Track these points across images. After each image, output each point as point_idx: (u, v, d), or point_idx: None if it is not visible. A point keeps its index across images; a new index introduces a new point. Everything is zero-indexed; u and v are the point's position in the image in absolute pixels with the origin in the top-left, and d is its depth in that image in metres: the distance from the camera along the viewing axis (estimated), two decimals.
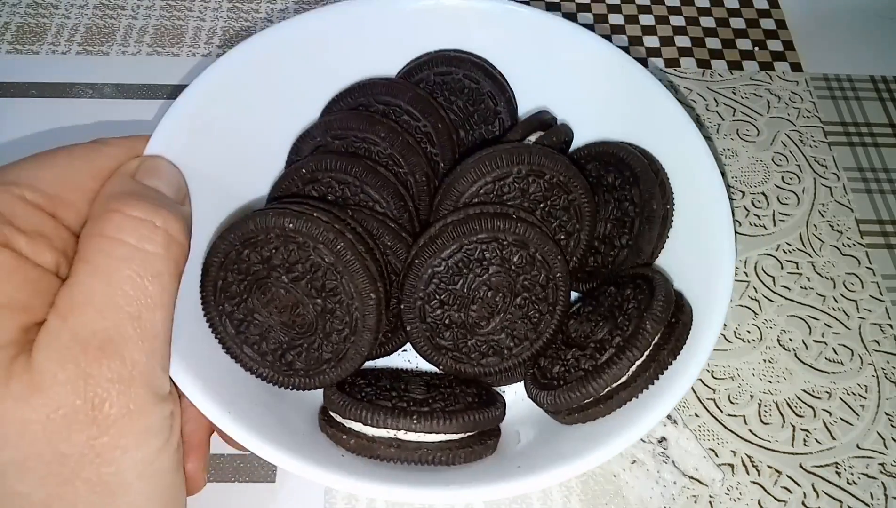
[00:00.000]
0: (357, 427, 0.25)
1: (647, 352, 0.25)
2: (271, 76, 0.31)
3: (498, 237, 0.27)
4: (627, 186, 0.29)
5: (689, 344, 0.25)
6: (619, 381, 0.25)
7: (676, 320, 0.25)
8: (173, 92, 0.40)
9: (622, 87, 0.31)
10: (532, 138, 0.31)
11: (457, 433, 0.25)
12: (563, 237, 0.29)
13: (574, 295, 0.31)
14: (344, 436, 0.25)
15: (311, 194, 0.29)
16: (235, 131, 0.30)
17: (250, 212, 0.26)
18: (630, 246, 0.29)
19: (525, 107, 0.34)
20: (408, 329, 0.28)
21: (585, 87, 0.32)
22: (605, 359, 0.25)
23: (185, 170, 0.27)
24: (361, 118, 0.30)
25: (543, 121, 0.32)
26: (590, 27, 0.44)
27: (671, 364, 0.24)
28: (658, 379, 0.24)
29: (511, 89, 0.34)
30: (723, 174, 0.39)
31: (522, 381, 0.29)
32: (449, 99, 0.33)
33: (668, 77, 0.42)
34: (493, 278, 0.27)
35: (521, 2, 0.33)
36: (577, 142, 0.33)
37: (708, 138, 0.40)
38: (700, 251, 0.27)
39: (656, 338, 0.25)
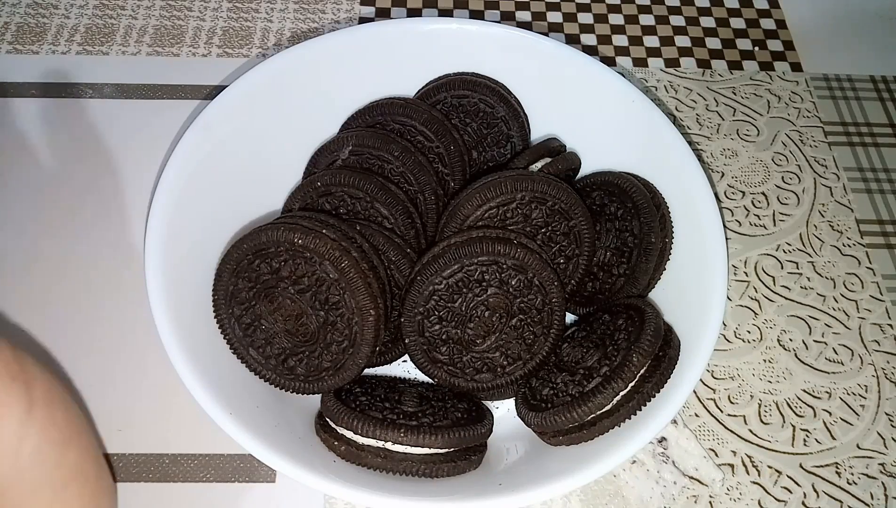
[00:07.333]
0: (348, 434, 0.26)
1: (632, 384, 0.26)
2: (293, 93, 0.33)
3: (498, 260, 0.28)
4: (629, 217, 0.30)
5: (674, 377, 0.26)
6: (604, 409, 0.26)
7: (664, 354, 0.26)
8: (173, 92, 0.40)
9: (632, 121, 0.32)
10: (539, 164, 0.32)
11: (442, 448, 0.26)
12: (562, 261, 0.30)
13: (571, 317, 0.32)
14: (335, 442, 0.26)
15: (324, 206, 0.31)
16: (255, 145, 0.32)
17: (263, 225, 0.27)
18: (627, 275, 0.30)
19: (539, 131, 0.35)
20: (406, 341, 0.29)
21: (597, 118, 0.34)
22: (592, 387, 0.26)
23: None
24: (377, 136, 0.31)
25: (551, 148, 0.33)
26: (590, 28, 0.44)
27: (654, 396, 0.26)
28: (641, 409, 0.25)
29: (525, 114, 0.35)
30: (722, 174, 0.39)
31: (514, 398, 0.29)
32: (464, 121, 0.34)
33: (667, 77, 0.42)
34: (490, 299, 0.28)
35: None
36: (585, 169, 0.34)
37: (708, 138, 0.40)
38: (694, 287, 0.28)
39: (642, 371, 0.26)
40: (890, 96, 0.42)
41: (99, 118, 0.39)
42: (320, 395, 0.28)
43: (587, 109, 0.34)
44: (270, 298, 0.27)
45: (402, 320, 0.29)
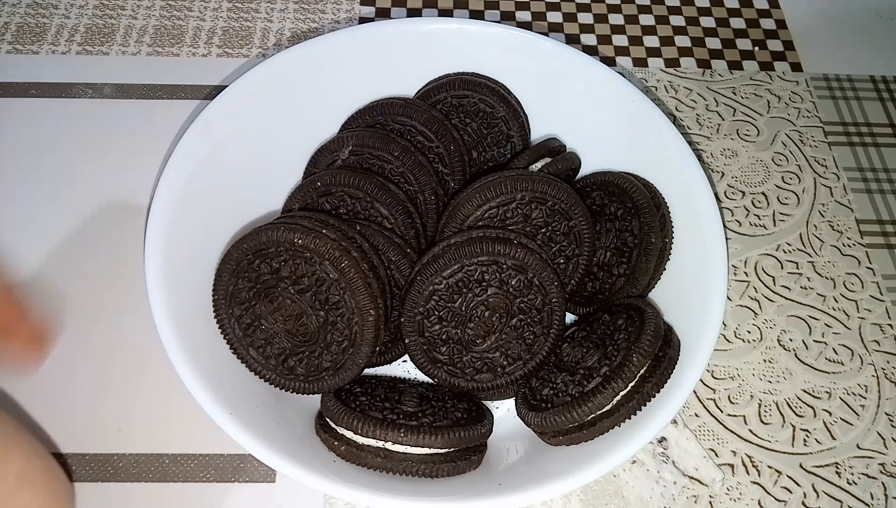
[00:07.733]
0: (348, 434, 0.26)
1: (632, 384, 0.26)
2: (293, 93, 0.33)
3: (498, 260, 0.28)
4: (629, 217, 0.30)
5: (674, 377, 0.26)
6: (604, 409, 0.26)
7: (663, 354, 0.26)
8: (173, 92, 0.40)
9: (633, 121, 0.32)
10: (539, 164, 0.32)
11: (442, 448, 0.26)
12: (562, 261, 0.30)
13: (571, 317, 0.32)
14: (335, 442, 0.26)
15: (324, 206, 0.31)
16: (255, 145, 0.32)
17: (263, 225, 0.27)
18: (627, 275, 0.30)
19: (538, 131, 0.35)
20: (406, 341, 0.29)
21: (596, 118, 0.34)
22: (592, 387, 0.26)
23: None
24: (377, 136, 0.31)
25: (551, 148, 0.33)
26: (590, 28, 0.44)
27: (654, 396, 0.25)
28: (641, 409, 0.25)
29: (525, 114, 0.35)
30: (722, 174, 0.39)
31: (514, 398, 0.29)
32: (464, 121, 0.34)
33: (667, 77, 0.42)
34: (490, 299, 0.28)
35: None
36: (585, 169, 0.34)
37: (708, 138, 0.40)
38: (694, 287, 0.28)
39: (642, 371, 0.26)
40: (890, 96, 0.42)
41: (99, 118, 0.39)
42: (320, 395, 0.28)
43: (587, 109, 0.34)
44: (270, 298, 0.27)
45: (402, 320, 0.29)
